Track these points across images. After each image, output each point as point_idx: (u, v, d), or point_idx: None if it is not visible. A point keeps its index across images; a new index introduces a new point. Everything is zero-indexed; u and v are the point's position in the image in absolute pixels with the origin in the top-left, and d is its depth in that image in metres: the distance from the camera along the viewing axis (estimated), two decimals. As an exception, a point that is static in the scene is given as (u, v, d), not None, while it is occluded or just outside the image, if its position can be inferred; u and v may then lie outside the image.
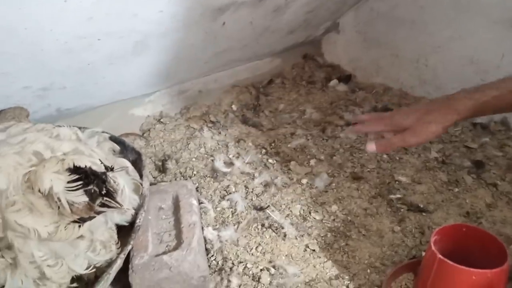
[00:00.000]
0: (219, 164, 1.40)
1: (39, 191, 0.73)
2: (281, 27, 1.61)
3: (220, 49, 1.53)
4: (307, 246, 1.09)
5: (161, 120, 1.65)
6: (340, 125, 1.56)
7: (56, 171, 0.74)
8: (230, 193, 1.27)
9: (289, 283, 0.99)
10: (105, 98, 1.48)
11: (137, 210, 0.98)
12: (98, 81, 1.31)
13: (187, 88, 1.73)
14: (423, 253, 1.02)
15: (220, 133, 1.58)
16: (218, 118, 1.66)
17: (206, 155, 1.47)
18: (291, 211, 1.20)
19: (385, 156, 1.39)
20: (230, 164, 1.41)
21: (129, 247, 0.92)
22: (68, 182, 0.73)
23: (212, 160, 1.43)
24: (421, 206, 1.18)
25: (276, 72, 1.92)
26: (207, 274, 1.00)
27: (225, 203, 1.24)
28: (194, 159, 1.46)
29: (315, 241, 1.10)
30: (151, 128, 1.62)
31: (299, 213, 1.19)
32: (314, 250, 1.08)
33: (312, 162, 1.38)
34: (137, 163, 1.11)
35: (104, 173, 0.78)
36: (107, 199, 0.77)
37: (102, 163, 0.82)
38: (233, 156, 1.44)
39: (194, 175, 1.38)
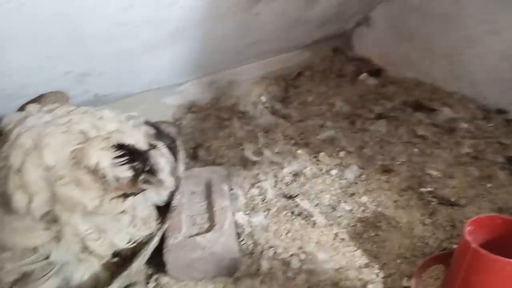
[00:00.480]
0: (249, 153, 1.42)
1: (86, 166, 0.76)
2: (312, 19, 1.62)
3: (251, 40, 1.55)
4: (336, 234, 1.10)
5: (192, 109, 1.68)
6: (370, 118, 1.55)
7: (102, 148, 0.77)
8: (259, 181, 1.29)
9: (319, 269, 1.00)
10: (140, 86, 1.52)
11: (173, 192, 1.00)
12: (134, 69, 1.35)
13: (218, 78, 1.75)
14: (455, 246, 1.02)
15: (249, 123, 1.60)
16: (248, 109, 1.68)
17: (235, 144, 1.49)
18: (320, 200, 1.21)
19: (415, 150, 1.38)
20: (259, 153, 1.43)
21: (166, 225, 0.95)
22: (114, 158, 0.76)
23: (242, 149, 1.45)
24: (453, 200, 1.17)
25: (305, 65, 1.92)
26: (239, 257, 1.02)
27: (254, 191, 1.26)
28: (224, 148, 1.48)
29: (345, 230, 1.11)
30: (182, 116, 1.65)
31: (328, 203, 1.20)
32: (343, 239, 1.09)
33: (342, 154, 1.39)
34: (172, 148, 1.13)
35: (147, 151, 0.81)
36: (150, 176, 0.80)
37: (146, 142, 0.84)
38: (262, 146, 1.46)
39: (224, 163, 1.40)
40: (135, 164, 0.78)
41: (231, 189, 1.24)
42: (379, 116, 1.56)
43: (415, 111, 1.56)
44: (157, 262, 1.03)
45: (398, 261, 1.01)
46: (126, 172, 0.78)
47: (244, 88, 1.78)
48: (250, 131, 1.55)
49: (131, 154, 0.78)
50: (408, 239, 1.07)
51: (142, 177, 0.79)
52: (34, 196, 0.78)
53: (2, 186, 0.81)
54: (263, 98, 1.75)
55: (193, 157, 1.46)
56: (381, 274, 0.99)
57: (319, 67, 1.92)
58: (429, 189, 1.21)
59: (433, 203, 1.17)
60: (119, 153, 0.78)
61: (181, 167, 1.06)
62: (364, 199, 1.20)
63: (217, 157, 1.43)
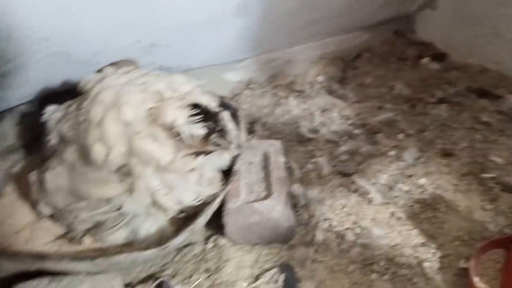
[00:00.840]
0: (304, 130, 1.44)
1: (162, 123, 0.81)
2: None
3: (312, 18, 1.55)
4: (392, 213, 1.10)
5: (250, 86, 1.71)
6: (432, 102, 1.52)
7: (178, 107, 0.82)
8: (315, 157, 1.30)
9: (374, 244, 1.01)
10: (201, 61, 1.56)
11: (235, 157, 1.04)
12: (198, 43, 1.39)
13: (276, 57, 1.77)
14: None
15: (305, 102, 1.61)
16: (304, 88, 1.69)
17: (291, 122, 1.51)
18: (377, 180, 1.21)
19: (478, 136, 1.34)
20: (315, 131, 1.44)
21: (229, 187, 0.99)
22: (189, 117, 0.81)
23: (297, 127, 1.47)
24: (517, 187, 1.13)
25: (365, 47, 1.89)
26: (294, 225, 1.05)
27: (310, 166, 1.28)
28: (279, 124, 1.51)
29: (401, 209, 1.11)
30: (240, 93, 1.68)
31: (385, 183, 1.19)
32: (399, 218, 1.08)
33: (401, 136, 1.37)
34: (235, 117, 1.17)
35: (218, 113, 0.85)
36: (220, 137, 0.83)
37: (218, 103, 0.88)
38: (318, 124, 1.47)
39: (280, 138, 1.42)
40: (208, 123, 0.82)
41: (287, 163, 1.26)
42: (441, 101, 1.52)
43: (479, 98, 1.50)
44: (215, 224, 1.08)
45: (456, 243, 1.00)
46: (199, 130, 0.82)
47: (301, 67, 1.79)
48: (306, 109, 1.56)
49: (204, 114, 0.82)
50: (467, 222, 1.05)
51: (213, 136, 0.83)
52: (112, 148, 0.84)
53: (83, 138, 0.88)
54: (320, 78, 1.74)
55: (250, 131, 1.49)
56: (438, 254, 0.98)
57: (379, 49, 1.89)
58: (491, 175, 1.18)
59: (495, 189, 1.14)
60: (194, 112, 0.82)
61: (243, 134, 1.09)
62: (423, 181, 1.19)
63: (273, 133, 1.46)
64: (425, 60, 1.77)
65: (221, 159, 1.02)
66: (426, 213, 1.09)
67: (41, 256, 0.90)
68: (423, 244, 1.01)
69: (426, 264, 0.96)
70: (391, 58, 1.84)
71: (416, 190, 1.16)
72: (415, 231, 1.04)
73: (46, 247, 1.03)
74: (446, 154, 1.27)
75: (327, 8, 1.51)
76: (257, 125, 1.51)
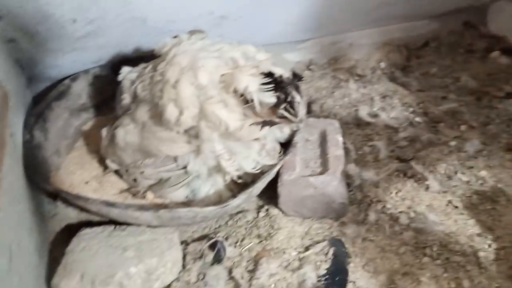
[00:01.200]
0: (363, 114, 1.43)
1: (234, 90, 0.84)
2: (450, -14, 1.54)
3: (382, 1, 1.52)
4: (450, 201, 1.08)
5: (310, 67, 1.72)
6: (499, 96, 1.46)
7: (251, 74, 0.85)
8: (372, 141, 1.30)
9: (428, 229, 1.00)
10: (266, 38, 1.58)
11: (294, 131, 1.07)
12: (267, 18, 1.41)
13: (339, 40, 1.76)
14: None
15: (365, 86, 1.59)
16: (366, 73, 1.67)
17: (349, 105, 1.51)
18: (435, 168, 1.19)
19: (548, 134, 1.28)
20: (374, 116, 1.43)
21: (287, 157, 1.02)
22: (261, 84, 0.84)
23: (356, 110, 1.47)
24: None
25: (432, 36, 1.84)
26: (347, 203, 1.06)
27: (367, 149, 1.28)
28: (337, 107, 1.51)
29: (459, 199, 1.09)
30: (300, 73, 1.68)
31: (444, 172, 1.17)
32: (456, 207, 1.07)
33: (463, 127, 1.34)
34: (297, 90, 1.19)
35: (290, 84, 0.87)
36: (288, 107, 0.86)
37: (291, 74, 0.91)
38: (378, 109, 1.45)
39: (338, 120, 1.42)
40: (278, 93, 0.84)
41: (343, 143, 1.27)
42: (509, 96, 1.46)
43: (549, 95, 1.43)
44: (268, 195, 1.11)
45: (515, 237, 0.98)
46: (270, 99, 0.84)
47: (364, 52, 1.77)
48: (366, 94, 1.55)
49: (276, 84, 0.85)
50: (529, 218, 1.02)
51: (282, 106, 0.86)
52: (185, 110, 0.88)
53: (157, 98, 0.93)
54: (383, 64, 1.72)
55: (307, 112, 1.50)
56: (494, 246, 0.96)
57: (446, 39, 1.82)
58: (558, 173, 1.13)
59: (561, 188, 1.09)
60: (266, 80, 0.84)
61: (303, 109, 1.11)
62: (483, 173, 1.15)
63: (330, 115, 1.46)
64: (495, 53, 1.70)
65: (282, 131, 1.05)
66: (484, 204, 1.06)
67: (111, 203, 0.97)
68: (479, 235, 0.99)
69: (481, 254, 0.94)
70: (458, 49, 1.78)
71: (476, 181, 1.14)
72: (471, 221, 1.02)
73: (112, 198, 1.11)
74: (510, 148, 1.23)
75: (398, -9, 1.48)
76: (314, 105, 1.52)
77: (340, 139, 1.20)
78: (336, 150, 1.15)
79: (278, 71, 0.87)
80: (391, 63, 1.72)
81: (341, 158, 1.12)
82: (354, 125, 1.40)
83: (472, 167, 1.18)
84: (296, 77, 1.07)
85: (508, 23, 1.82)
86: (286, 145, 1.10)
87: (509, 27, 1.81)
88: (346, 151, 1.25)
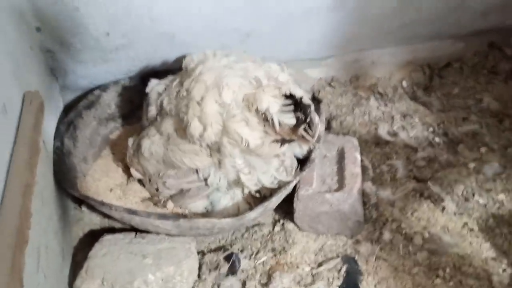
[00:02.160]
0: (383, 132, 1.45)
1: (256, 109, 0.88)
2: (475, 7, 1.54)
3: (406, 21, 1.54)
4: (465, 224, 1.09)
5: (332, 83, 1.74)
6: (522, 119, 1.45)
7: (273, 95, 0.89)
8: (391, 159, 1.31)
9: (442, 251, 1.01)
10: (290, 54, 1.61)
11: (312, 148, 1.09)
12: (290, 35, 1.45)
13: (362, 57, 1.77)
14: None
15: (386, 105, 1.61)
16: (387, 91, 1.68)
17: (369, 123, 1.52)
18: (452, 189, 1.19)
19: None
20: (394, 134, 1.44)
21: (304, 173, 1.04)
22: (282, 106, 0.87)
23: (375, 128, 1.48)
24: None
25: (456, 57, 1.83)
26: (363, 221, 1.08)
27: (385, 167, 1.29)
28: (357, 124, 1.52)
29: (475, 221, 1.09)
30: (321, 89, 1.72)
31: (461, 193, 1.17)
32: (472, 229, 1.07)
33: (483, 149, 1.33)
34: (316, 110, 1.21)
35: (309, 106, 0.90)
36: (307, 128, 0.89)
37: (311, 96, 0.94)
38: (397, 128, 1.46)
39: (357, 138, 1.44)
40: (298, 114, 0.88)
41: (361, 161, 1.28)
42: (533, 119, 1.45)
43: None
44: (284, 210, 1.14)
45: (531, 263, 0.97)
46: (290, 120, 0.88)
47: (386, 70, 1.78)
48: (386, 112, 1.56)
49: (296, 105, 0.89)
50: (546, 244, 1.01)
51: (302, 127, 0.89)
52: (208, 126, 0.93)
53: (182, 113, 0.98)
54: (405, 83, 1.73)
55: (326, 128, 1.53)
56: (509, 271, 0.96)
57: (470, 60, 1.81)
58: None
59: None
60: (287, 102, 0.88)
61: (322, 127, 1.14)
62: (502, 196, 1.15)
63: (350, 132, 1.48)
64: (520, 76, 1.69)
65: (301, 148, 1.08)
66: (501, 228, 1.06)
67: (133, 211, 1.02)
68: (494, 259, 0.99)
69: (495, 278, 0.94)
70: (482, 70, 1.77)
71: (493, 204, 1.13)
72: (487, 245, 1.02)
73: (134, 206, 1.16)
74: (531, 173, 1.22)
75: (423, 12, 1.49)
76: (334, 122, 1.54)
77: (358, 156, 1.22)
78: (353, 167, 1.17)
79: (298, 93, 0.91)
80: (413, 82, 1.73)
81: (358, 176, 1.14)
82: (373, 143, 1.41)
83: (490, 190, 1.18)
84: (316, 100, 1.10)
85: (534, 45, 1.80)
86: (304, 161, 1.13)
87: (535, 49, 1.80)
88: (364, 169, 1.27)
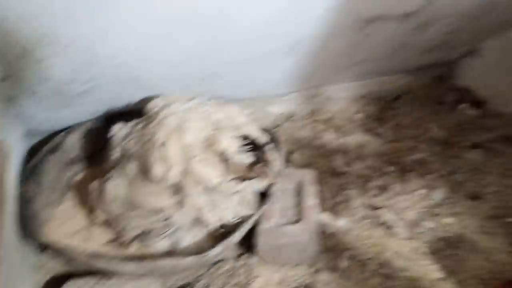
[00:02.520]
0: (338, 163, 1.53)
1: (216, 150, 0.94)
2: (419, 45, 1.68)
3: (357, 59, 1.65)
4: (416, 248, 1.16)
5: (291, 118, 1.83)
6: (466, 146, 1.57)
7: (232, 136, 0.95)
8: (346, 190, 1.39)
9: (394, 275, 1.07)
10: (251, 92, 1.69)
11: (272, 183, 1.15)
12: (251, 75, 1.52)
13: (319, 93, 1.87)
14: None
15: (342, 137, 1.70)
16: (343, 124, 1.78)
17: (326, 154, 1.60)
18: (404, 215, 1.27)
19: (508, 182, 1.38)
20: (348, 165, 1.52)
21: (264, 207, 1.09)
22: (240, 146, 0.94)
23: (332, 160, 1.56)
24: (544, 235, 1.16)
25: (405, 89, 1.97)
26: (321, 250, 1.13)
27: (340, 197, 1.36)
28: (315, 156, 1.60)
29: (425, 245, 1.17)
30: (281, 124, 1.80)
31: (411, 219, 1.26)
32: (422, 253, 1.14)
33: (431, 176, 1.43)
34: (276, 147, 1.28)
35: (265, 145, 0.97)
36: (264, 165, 0.96)
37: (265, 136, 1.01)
38: (352, 159, 1.55)
39: (314, 169, 1.51)
40: (255, 153, 0.95)
41: (319, 192, 1.35)
42: (475, 146, 1.57)
43: (513, 145, 1.54)
44: (247, 244, 1.18)
45: (476, 280, 1.05)
46: (248, 159, 0.94)
47: (341, 104, 1.89)
48: (342, 144, 1.66)
49: (254, 145, 0.95)
50: (489, 263, 1.10)
51: (259, 165, 0.96)
52: (171, 167, 0.97)
53: (145, 156, 1.02)
54: (359, 116, 1.84)
55: (286, 161, 1.60)
56: (456, 290, 1.03)
57: (418, 92, 1.96)
58: (517, 220, 1.22)
59: (520, 235, 1.18)
60: (245, 142, 0.95)
61: (281, 163, 1.20)
62: (449, 220, 1.24)
63: (308, 164, 1.56)
64: (463, 106, 1.83)
65: (260, 184, 1.13)
66: (449, 250, 1.14)
67: (96, 255, 1.04)
68: (443, 279, 1.06)
69: (443, 299, 1.01)
70: (429, 101, 1.91)
71: (441, 228, 1.22)
72: (435, 266, 1.10)
73: (98, 249, 1.17)
74: (474, 196, 1.32)
75: (372, 51, 1.61)
76: (293, 155, 1.62)
77: (315, 188, 1.29)
78: (311, 200, 1.23)
79: (255, 134, 0.98)
80: (367, 114, 1.84)
81: (315, 208, 1.20)
82: (330, 174, 1.49)
83: (438, 214, 1.27)
84: (274, 137, 1.18)
85: (475, 77, 1.96)
86: (265, 194, 1.18)
87: (475, 81, 1.95)
88: (321, 200, 1.33)
